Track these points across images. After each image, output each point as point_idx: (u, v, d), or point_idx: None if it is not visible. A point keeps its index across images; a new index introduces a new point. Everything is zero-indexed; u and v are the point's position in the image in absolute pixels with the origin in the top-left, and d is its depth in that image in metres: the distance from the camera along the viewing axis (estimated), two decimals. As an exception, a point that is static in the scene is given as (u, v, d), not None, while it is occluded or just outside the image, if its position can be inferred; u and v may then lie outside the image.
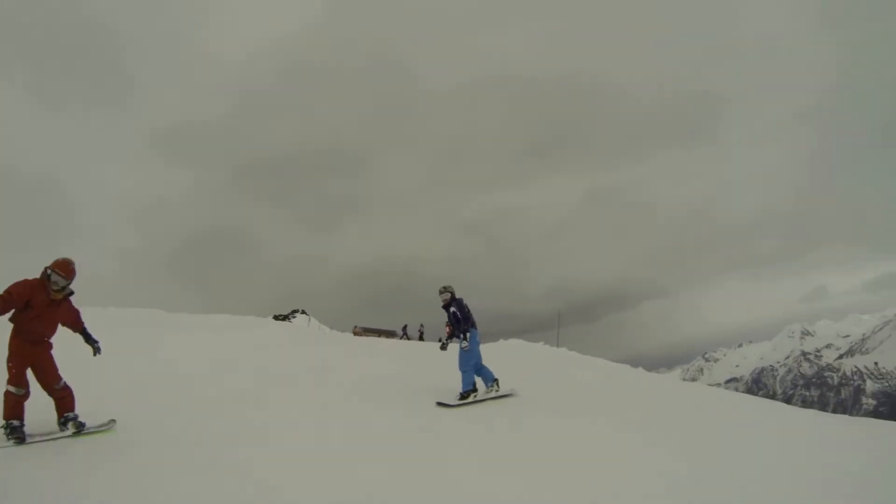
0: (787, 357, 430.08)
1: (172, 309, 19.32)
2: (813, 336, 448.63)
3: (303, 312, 41.00)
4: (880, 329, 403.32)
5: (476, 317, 10.16)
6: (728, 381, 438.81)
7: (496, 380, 10.41)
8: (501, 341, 21.98)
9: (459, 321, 10.04)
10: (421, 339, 30.22)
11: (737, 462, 7.42)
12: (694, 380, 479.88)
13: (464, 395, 9.83)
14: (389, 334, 31.74)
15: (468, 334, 10.01)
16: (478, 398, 9.97)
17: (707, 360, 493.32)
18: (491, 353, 13.58)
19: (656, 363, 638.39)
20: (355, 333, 29.74)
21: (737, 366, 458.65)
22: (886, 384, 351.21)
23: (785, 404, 14.99)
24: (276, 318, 34.13)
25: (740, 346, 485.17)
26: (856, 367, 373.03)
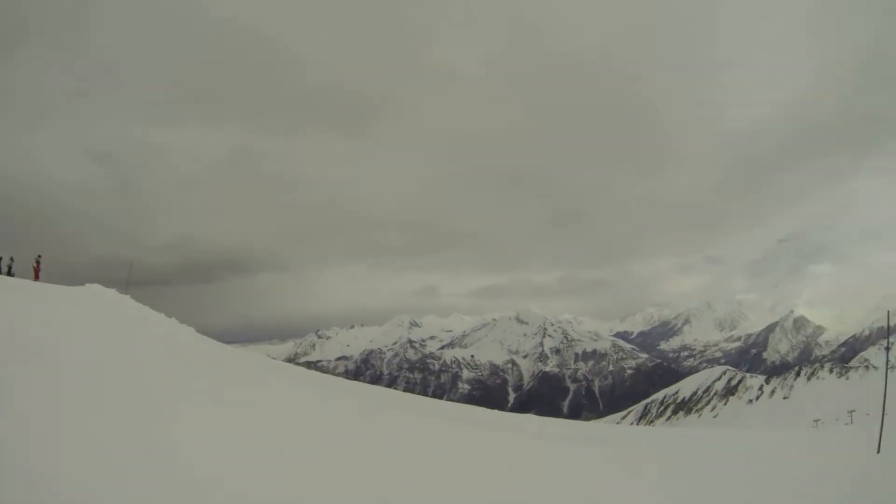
0: (395, 342, 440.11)
1: None
2: (420, 327, 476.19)
3: None
4: (479, 329, 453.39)
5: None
6: (338, 359, 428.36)
7: None
8: (87, 285, 20.99)
9: None
10: (10, 273, 24.96)
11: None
12: (305, 354, 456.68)
13: None
14: None
15: None
16: None
17: (320, 337, 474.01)
18: (61, 297, 15.79)
19: (270, 335, 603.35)
20: None
21: (348, 345, 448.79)
22: (479, 373, 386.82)
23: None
24: None
25: (353, 327, 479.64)
26: (455, 357, 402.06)
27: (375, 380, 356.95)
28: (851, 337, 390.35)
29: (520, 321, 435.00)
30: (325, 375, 19.87)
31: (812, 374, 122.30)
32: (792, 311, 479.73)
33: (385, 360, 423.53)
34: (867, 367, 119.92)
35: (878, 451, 12.31)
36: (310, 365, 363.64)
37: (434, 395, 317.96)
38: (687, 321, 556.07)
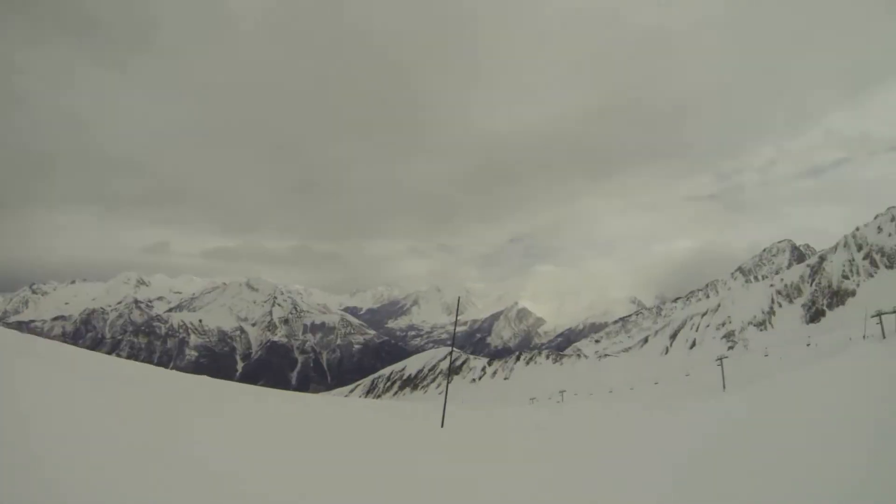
0: (120, 302, 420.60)
1: None
2: (148, 286, 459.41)
3: None
4: (209, 292, 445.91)
5: None
6: (55, 319, 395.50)
7: None
8: None
9: None
10: None
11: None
12: (17, 312, 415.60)
13: None
14: None
15: None
16: None
17: (35, 293, 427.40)
18: None
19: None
20: None
21: (67, 303, 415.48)
22: (207, 340, 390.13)
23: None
24: None
25: (73, 282, 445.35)
26: (183, 321, 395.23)
27: (97, 343, 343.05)
28: (567, 329, 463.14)
29: (250, 287, 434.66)
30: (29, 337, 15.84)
31: (531, 359, 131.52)
32: (516, 303, 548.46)
33: (108, 322, 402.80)
34: (579, 355, 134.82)
35: (442, 426, 14.25)
36: (22, 325, 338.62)
37: (160, 363, 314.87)
38: (416, 302, 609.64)
